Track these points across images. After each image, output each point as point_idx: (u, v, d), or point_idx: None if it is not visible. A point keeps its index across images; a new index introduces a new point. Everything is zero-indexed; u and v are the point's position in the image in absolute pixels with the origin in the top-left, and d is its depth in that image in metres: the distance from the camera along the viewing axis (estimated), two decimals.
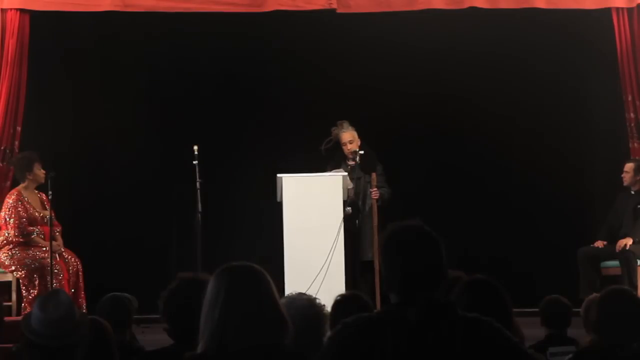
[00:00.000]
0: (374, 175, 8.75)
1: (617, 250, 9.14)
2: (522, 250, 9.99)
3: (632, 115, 9.62)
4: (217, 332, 3.02)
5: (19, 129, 9.33)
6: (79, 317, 3.51)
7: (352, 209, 8.67)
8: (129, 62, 10.20)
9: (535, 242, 10.06)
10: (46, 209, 8.64)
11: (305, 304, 3.69)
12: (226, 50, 10.26)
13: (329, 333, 3.26)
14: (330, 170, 8.75)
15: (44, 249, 8.53)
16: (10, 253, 8.55)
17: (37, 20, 9.47)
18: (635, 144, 9.64)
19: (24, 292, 8.48)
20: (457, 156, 10.25)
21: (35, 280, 8.46)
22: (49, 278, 8.31)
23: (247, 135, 10.28)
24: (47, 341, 3.40)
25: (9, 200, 8.64)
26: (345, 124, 8.99)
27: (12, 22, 9.31)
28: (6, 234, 8.59)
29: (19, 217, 8.57)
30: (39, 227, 8.65)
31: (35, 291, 8.37)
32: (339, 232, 8.33)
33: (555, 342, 5.09)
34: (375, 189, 8.71)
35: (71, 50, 10.20)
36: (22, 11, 9.36)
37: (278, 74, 10.36)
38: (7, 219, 8.58)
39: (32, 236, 8.63)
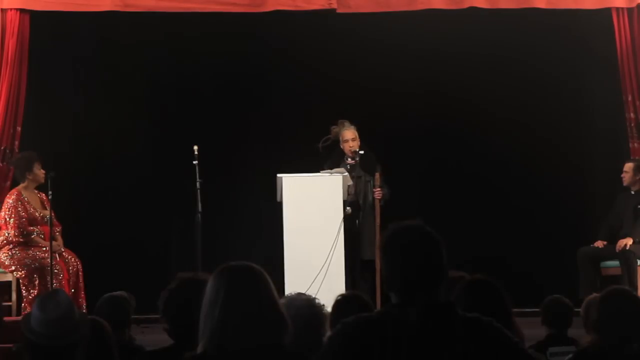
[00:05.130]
0: (377, 175, 8.74)
1: (617, 250, 9.13)
2: (522, 250, 9.98)
3: (632, 115, 9.61)
4: (216, 332, 3.02)
5: (19, 129, 9.32)
6: (78, 317, 3.51)
7: (352, 208, 8.66)
8: (129, 61, 10.19)
9: (535, 242, 10.05)
10: (46, 209, 8.63)
11: (305, 304, 3.69)
12: (226, 50, 10.25)
13: (328, 333, 3.26)
14: (327, 168, 8.74)
15: (44, 249, 8.52)
16: (10, 253, 8.54)
17: (37, 20, 9.47)
18: (635, 144, 9.63)
19: (24, 292, 8.48)
20: (457, 156, 10.24)
21: (35, 280, 8.45)
22: (49, 278, 8.30)
23: (247, 135, 10.27)
24: (47, 341, 3.40)
25: (9, 200, 8.64)
26: (347, 123, 8.99)
27: (12, 22, 9.30)
28: (6, 234, 8.58)
29: (19, 217, 8.56)
30: (39, 227, 8.64)
31: (35, 291, 8.36)
32: (339, 232, 8.33)
33: (555, 342, 5.09)
34: (379, 189, 8.71)
35: (71, 50, 10.19)
36: (22, 11, 9.35)
37: (278, 73, 10.35)
38: (7, 219, 8.57)
39: (32, 236, 8.62)
